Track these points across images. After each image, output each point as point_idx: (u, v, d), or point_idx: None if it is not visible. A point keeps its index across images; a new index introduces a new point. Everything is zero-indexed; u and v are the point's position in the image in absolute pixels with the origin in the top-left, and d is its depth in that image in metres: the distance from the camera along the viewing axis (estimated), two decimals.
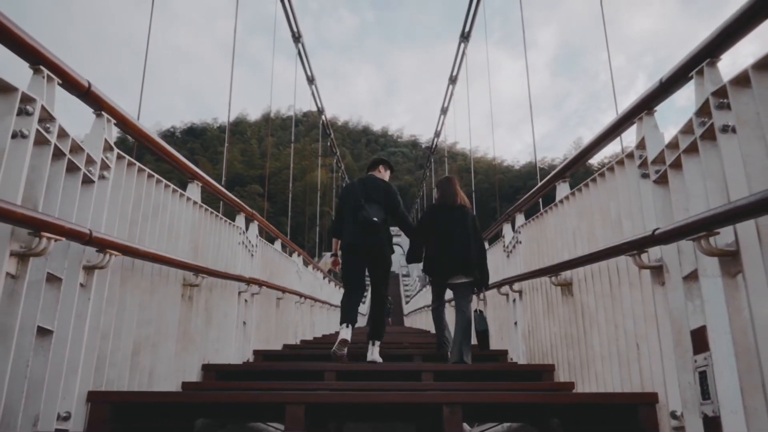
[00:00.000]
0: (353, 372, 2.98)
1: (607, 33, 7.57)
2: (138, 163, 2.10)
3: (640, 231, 1.81)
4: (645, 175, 1.85)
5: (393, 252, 3.72)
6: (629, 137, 2.08)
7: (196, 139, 71.39)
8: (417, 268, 31.07)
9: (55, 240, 1.44)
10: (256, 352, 3.97)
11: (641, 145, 1.87)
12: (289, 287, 5.55)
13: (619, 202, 2.09)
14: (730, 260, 1.33)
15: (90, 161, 1.76)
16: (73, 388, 1.67)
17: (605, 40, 7.63)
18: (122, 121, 1.95)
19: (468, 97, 15.34)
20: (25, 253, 1.38)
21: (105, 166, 1.85)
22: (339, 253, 3.79)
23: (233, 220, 3.62)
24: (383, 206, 3.61)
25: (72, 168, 1.66)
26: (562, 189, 2.93)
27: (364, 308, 14.59)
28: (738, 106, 1.31)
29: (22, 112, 1.39)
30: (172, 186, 2.45)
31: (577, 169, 2.86)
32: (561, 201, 2.86)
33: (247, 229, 3.94)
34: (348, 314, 3.53)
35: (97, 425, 1.76)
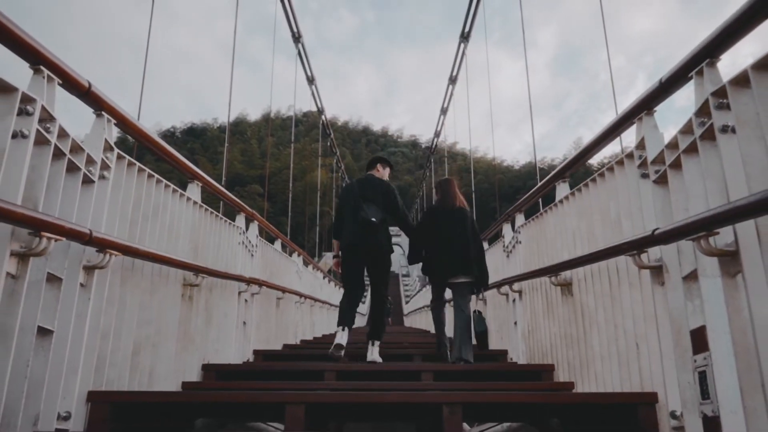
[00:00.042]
0: (353, 372, 2.98)
1: (606, 33, 7.57)
2: (138, 163, 2.10)
3: (639, 231, 1.81)
4: (645, 175, 1.85)
5: (392, 252, 3.71)
6: (629, 137, 2.08)
7: (196, 139, 71.39)
8: (417, 268, 31.04)
9: (56, 240, 1.44)
10: (256, 352, 3.98)
11: (641, 145, 1.87)
12: (289, 287, 5.56)
13: (619, 202, 2.09)
14: (730, 260, 1.33)
15: (90, 161, 1.76)
16: (73, 387, 1.67)
17: (605, 40, 7.63)
18: (122, 121, 1.95)
19: (468, 97, 15.34)
20: (26, 253, 1.38)
21: (105, 166, 1.85)
22: (340, 253, 3.80)
23: (233, 220, 3.63)
24: (382, 206, 3.61)
25: (72, 168, 1.66)
26: (562, 189, 2.93)
27: (363, 308, 14.59)
28: (737, 107, 1.31)
29: (23, 112, 1.39)
30: (172, 186, 2.45)
31: (577, 169, 2.86)
32: (561, 201, 2.86)
33: (247, 229, 3.94)
34: (345, 316, 3.53)
35: (97, 425, 1.77)
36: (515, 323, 3.83)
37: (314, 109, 20.18)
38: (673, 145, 1.66)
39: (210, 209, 3.02)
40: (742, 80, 1.31)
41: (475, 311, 3.72)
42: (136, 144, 2.50)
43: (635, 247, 1.76)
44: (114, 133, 1.93)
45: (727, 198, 1.33)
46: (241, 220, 3.78)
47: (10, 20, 1.34)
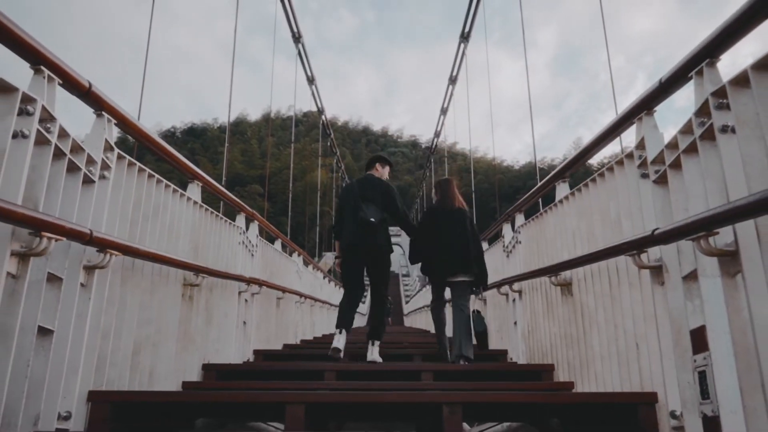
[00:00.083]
0: (353, 372, 2.98)
1: (606, 33, 7.57)
2: (138, 163, 2.10)
3: (639, 231, 1.81)
4: (644, 175, 1.86)
5: (392, 251, 3.72)
6: (629, 137, 2.08)
7: (197, 139, 71.37)
8: (417, 268, 31.03)
9: (56, 240, 1.45)
10: (256, 352, 3.98)
11: (641, 145, 1.88)
12: (289, 287, 5.56)
13: (619, 202, 2.10)
14: (730, 260, 1.33)
15: (90, 161, 1.76)
16: (73, 387, 1.67)
17: (605, 40, 7.63)
18: (123, 121, 1.95)
19: (468, 98, 15.34)
20: (26, 253, 1.38)
21: (105, 166, 1.85)
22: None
23: (233, 220, 3.63)
24: (381, 206, 3.61)
25: (72, 168, 1.67)
26: (562, 189, 2.93)
27: (363, 308, 14.59)
28: (737, 107, 1.31)
29: (23, 112, 1.39)
30: (173, 186, 2.45)
31: (577, 169, 2.86)
32: (561, 201, 2.86)
33: (247, 228, 3.95)
34: (343, 318, 3.54)
35: (98, 425, 1.77)
36: (515, 323, 3.83)
37: (314, 109, 20.19)
38: (672, 145, 1.66)
39: (210, 209, 3.02)
40: (741, 80, 1.31)
41: (474, 311, 3.74)
42: (136, 144, 2.50)
43: (635, 247, 1.76)
44: (114, 133, 1.93)
45: (727, 198, 1.33)
46: (241, 220, 3.79)
47: (11, 20, 1.34)
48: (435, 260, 3.67)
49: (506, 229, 4.22)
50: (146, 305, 2.21)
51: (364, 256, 3.61)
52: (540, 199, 3.57)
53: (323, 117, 21.30)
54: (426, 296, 10.34)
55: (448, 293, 3.91)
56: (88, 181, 1.76)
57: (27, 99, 1.40)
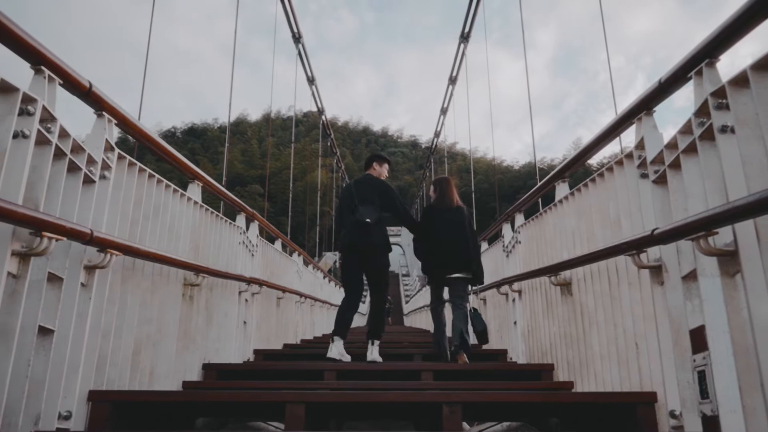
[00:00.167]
0: (353, 371, 2.98)
1: (606, 33, 7.57)
2: (139, 163, 2.11)
3: (639, 231, 1.81)
4: (644, 176, 1.86)
5: (390, 251, 3.72)
6: (628, 137, 2.08)
7: (197, 140, 71.30)
8: (417, 268, 31.11)
9: (56, 240, 1.45)
10: (256, 352, 3.98)
11: (640, 145, 1.88)
12: (289, 287, 5.56)
13: (618, 202, 2.10)
14: (729, 260, 1.33)
15: (91, 161, 1.76)
16: (74, 387, 1.67)
17: (604, 40, 7.63)
18: (123, 122, 1.95)
19: (468, 98, 15.35)
20: (27, 253, 1.38)
21: (106, 166, 1.85)
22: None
23: (234, 220, 3.63)
24: (378, 206, 3.62)
25: (73, 168, 1.67)
26: (562, 189, 2.93)
27: (364, 308, 14.59)
28: (737, 107, 1.31)
29: (24, 113, 1.40)
30: (173, 186, 2.46)
31: (577, 170, 2.86)
32: (560, 201, 2.86)
33: (247, 228, 3.95)
34: (340, 322, 3.56)
35: (98, 424, 1.77)
36: (515, 323, 3.84)
37: (314, 109, 20.19)
38: (672, 145, 1.66)
39: (210, 209, 3.02)
40: (741, 80, 1.31)
41: (471, 309, 3.79)
42: (136, 144, 2.50)
43: (634, 246, 1.76)
44: (115, 133, 1.93)
45: (726, 198, 1.33)
46: (241, 219, 3.79)
47: (12, 21, 1.34)
48: (434, 258, 3.73)
49: (506, 229, 4.22)
50: (147, 305, 2.21)
51: (361, 257, 3.62)
52: (540, 199, 3.58)
53: (323, 117, 21.30)
54: (426, 296, 10.35)
55: (446, 294, 3.93)
56: (88, 181, 1.76)
57: (28, 99, 1.41)
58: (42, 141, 1.48)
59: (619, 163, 2.09)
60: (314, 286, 7.87)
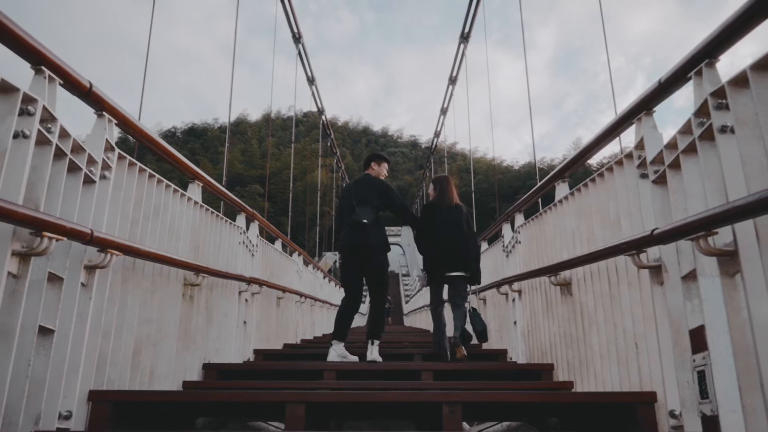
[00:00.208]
0: (353, 371, 2.98)
1: (606, 34, 7.58)
2: (139, 164, 2.11)
3: (638, 231, 1.81)
4: (644, 176, 1.86)
5: (389, 250, 3.73)
6: (628, 137, 2.08)
7: (197, 140, 71.26)
8: (417, 268, 31.13)
9: (57, 240, 1.45)
10: (256, 352, 3.98)
11: (640, 145, 1.88)
12: (289, 287, 5.56)
13: (618, 202, 2.10)
14: (729, 260, 1.33)
15: (91, 161, 1.77)
16: (74, 387, 1.67)
17: (604, 41, 7.63)
18: (123, 122, 1.95)
19: (468, 98, 15.36)
20: (27, 253, 1.38)
21: (106, 166, 1.85)
22: None
23: (234, 220, 3.64)
24: (375, 206, 3.63)
25: (73, 168, 1.67)
26: (562, 189, 2.93)
27: (364, 308, 14.59)
28: (736, 107, 1.32)
29: (24, 113, 1.40)
30: (173, 186, 2.46)
31: (577, 170, 2.86)
32: (560, 201, 2.87)
33: (247, 228, 3.95)
34: (340, 325, 3.58)
35: (99, 424, 1.77)
36: (515, 323, 3.84)
37: (314, 109, 20.21)
38: (672, 145, 1.66)
39: (211, 209, 3.02)
40: (740, 81, 1.31)
41: (471, 308, 3.81)
42: (137, 144, 2.50)
43: (634, 246, 1.76)
44: (115, 133, 1.93)
45: (726, 198, 1.33)
46: (241, 219, 3.79)
47: (12, 21, 1.34)
48: (434, 256, 3.76)
49: (506, 229, 4.23)
50: (147, 305, 2.21)
51: (359, 257, 3.63)
52: (539, 199, 3.58)
53: (323, 117, 21.32)
54: (426, 296, 10.35)
55: (446, 294, 3.94)
56: (88, 181, 1.76)
57: (28, 99, 1.41)
58: (42, 141, 1.48)
59: (619, 163, 2.09)
60: (314, 286, 7.87)
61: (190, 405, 2.06)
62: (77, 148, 1.68)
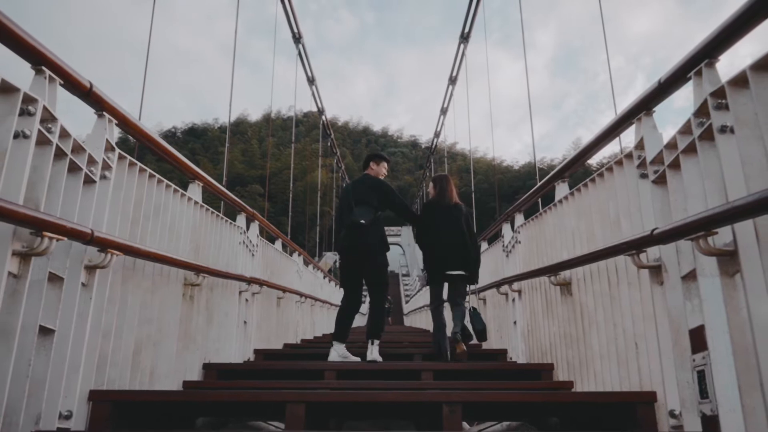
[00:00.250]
0: (353, 371, 2.98)
1: (606, 34, 7.57)
2: (139, 164, 2.11)
3: (638, 231, 1.81)
4: (644, 176, 1.86)
5: (388, 250, 3.73)
6: (628, 137, 2.09)
7: (197, 140, 71.23)
8: (417, 268, 31.12)
9: (57, 240, 1.45)
10: (256, 351, 3.98)
11: (640, 145, 1.88)
12: (289, 286, 5.56)
13: (618, 202, 2.10)
14: (728, 260, 1.34)
15: (92, 161, 1.77)
16: (74, 387, 1.68)
17: (604, 41, 7.63)
18: (124, 122, 1.96)
19: (468, 98, 15.35)
20: (27, 253, 1.39)
21: (106, 166, 1.85)
22: None
23: (234, 220, 3.64)
24: (373, 206, 3.63)
25: (74, 168, 1.67)
26: (562, 189, 2.93)
27: (364, 307, 14.59)
28: (736, 107, 1.32)
29: (24, 113, 1.40)
30: (173, 186, 2.46)
31: (577, 170, 2.86)
32: (560, 201, 2.87)
33: (247, 228, 3.95)
34: (340, 325, 3.58)
35: (99, 424, 1.77)
36: (515, 323, 3.84)
37: (315, 109, 20.20)
38: (672, 145, 1.66)
39: (211, 209, 3.02)
40: (740, 81, 1.31)
41: (471, 308, 3.82)
42: (137, 144, 2.50)
43: (634, 246, 1.77)
44: (115, 133, 1.93)
45: (726, 198, 1.33)
46: (241, 219, 3.79)
47: (12, 21, 1.35)
48: (434, 255, 3.78)
49: (506, 229, 4.23)
50: (147, 305, 2.21)
51: (358, 258, 3.63)
52: (539, 199, 3.59)
53: (323, 117, 21.31)
54: (426, 296, 10.35)
55: (445, 293, 3.94)
56: (89, 181, 1.76)
57: (28, 99, 1.41)
58: (43, 141, 1.48)
59: (619, 163, 2.09)
60: (314, 286, 7.87)
61: (191, 405, 2.06)
62: (77, 148, 1.68)
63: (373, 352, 3.49)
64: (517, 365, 3.41)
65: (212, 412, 2.21)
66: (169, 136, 73.10)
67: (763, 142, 1.23)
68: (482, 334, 3.81)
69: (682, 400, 1.56)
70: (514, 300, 3.90)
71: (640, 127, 1.90)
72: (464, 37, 14.30)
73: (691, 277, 1.54)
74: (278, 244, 5.36)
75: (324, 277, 9.38)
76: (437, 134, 23.15)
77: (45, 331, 1.53)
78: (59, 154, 1.57)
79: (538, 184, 3.34)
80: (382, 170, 3.91)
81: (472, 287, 4.26)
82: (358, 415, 2.24)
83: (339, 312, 3.66)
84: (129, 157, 2.03)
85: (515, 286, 3.76)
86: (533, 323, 3.41)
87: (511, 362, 3.75)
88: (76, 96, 1.71)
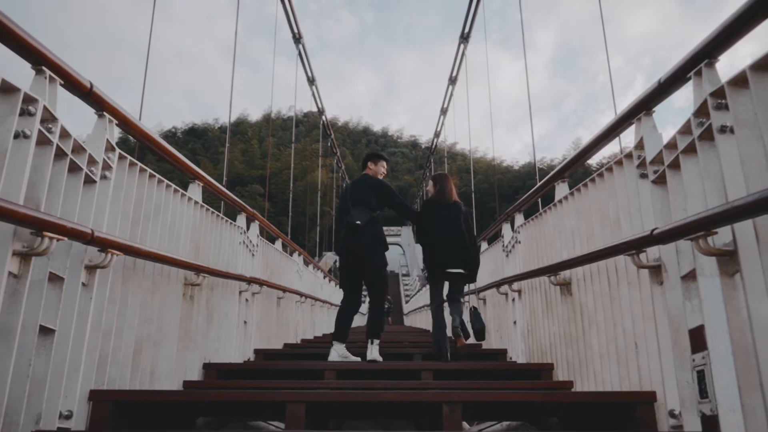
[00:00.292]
0: (353, 371, 2.99)
1: (605, 34, 7.58)
2: (139, 164, 2.11)
3: (638, 231, 1.81)
4: (643, 176, 1.86)
5: (386, 249, 3.72)
6: (628, 138, 2.09)
7: (198, 140, 71.24)
8: (417, 268, 31.12)
9: (57, 240, 1.45)
10: (257, 351, 3.99)
11: (640, 145, 1.88)
12: (289, 286, 5.57)
13: (618, 202, 2.10)
14: (728, 260, 1.34)
15: (92, 161, 1.77)
16: (75, 386, 1.68)
17: (604, 41, 7.63)
18: (124, 122, 1.96)
19: (468, 98, 15.36)
20: (28, 253, 1.39)
21: (107, 166, 1.86)
22: None
23: (234, 220, 3.64)
24: (370, 206, 3.63)
25: (74, 168, 1.67)
26: (561, 189, 2.94)
27: (364, 307, 14.59)
28: (736, 107, 1.32)
29: (25, 113, 1.40)
30: (174, 186, 2.46)
31: (576, 170, 2.86)
32: (560, 201, 2.87)
33: (248, 228, 3.96)
34: (339, 325, 3.59)
35: (99, 424, 1.77)
36: (515, 322, 3.84)
37: (315, 109, 20.22)
38: (671, 145, 1.66)
39: (211, 209, 3.03)
40: (740, 81, 1.31)
41: (471, 308, 3.84)
42: (137, 144, 2.50)
43: (634, 246, 1.77)
44: (116, 133, 1.93)
45: (726, 198, 1.33)
46: (242, 219, 3.80)
47: (13, 21, 1.35)
48: (433, 253, 3.79)
49: (506, 228, 4.23)
50: (147, 305, 2.21)
51: (356, 258, 3.63)
52: (539, 199, 3.59)
53: (323, 117, 21.32)
54: (425, 296, 10.35)
55: (445, 292, 3.95)
56: (89, 181, 1.76)
57: (29, 99, 1.41)
58: (43, 141, 1.48)
59: (619, 163, 2.09)
60: (314, 286, 7.87)
61: (191, 405, 2.07)
62: (78, 148, 1.68)
63: (373, 352, 3.49)
64: (517, 365, 3.41)
65: (212, 412, 2.21)
66: (170, 136, 73.11)
67: (762, 142, 1.24)
68: (481, 334, 3.82)
69: (682, 400, 1.57)
70: (513, 300, 3.90)
71: (639, 127, 1.90)
72: (464, 38, 14.31)
73: (690, 277, 1.54)
74: (278, 244, 5.37)
75: (324, 277, 9.38)
76: (437, 134, 23.16)
77: (45, 331, 1.53)
78: (59, 154, 1.57)
79: (538, 184, 3.34)
80: (380, 169, 3.91)
81: (471, 286, 4.27)
82: (358, 415, 2.24)
83: (339, 312, 3.67)
84: (129, 157, 2.03)
85: (515, 285, 3.77)
86: (533, 323, 3.41)
87: (511, 362, 3.75)
88: (77, 96, 1.71)
